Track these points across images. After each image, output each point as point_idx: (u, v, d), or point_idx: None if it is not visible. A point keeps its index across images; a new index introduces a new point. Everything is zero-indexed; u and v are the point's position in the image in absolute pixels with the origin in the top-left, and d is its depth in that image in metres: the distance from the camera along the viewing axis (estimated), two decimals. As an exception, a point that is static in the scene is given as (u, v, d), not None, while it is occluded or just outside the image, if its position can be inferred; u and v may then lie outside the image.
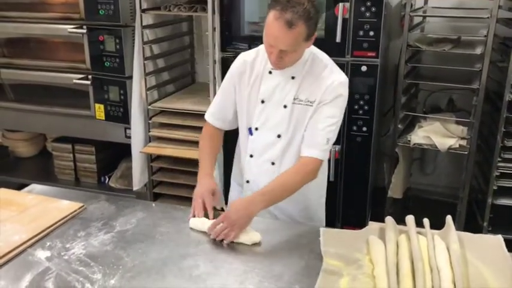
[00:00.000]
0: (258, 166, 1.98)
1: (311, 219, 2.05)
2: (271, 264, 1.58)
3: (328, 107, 1.83)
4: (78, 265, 1.56)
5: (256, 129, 1.95)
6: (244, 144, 2.01)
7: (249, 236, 1.70)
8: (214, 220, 1.72)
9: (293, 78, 1.86)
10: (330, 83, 1.82)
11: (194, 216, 1.81)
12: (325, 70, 1.85)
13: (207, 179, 1.92)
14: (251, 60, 1.92)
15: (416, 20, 3.04)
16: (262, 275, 1.52)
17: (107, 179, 3.59)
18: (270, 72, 1.88)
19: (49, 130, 3.71)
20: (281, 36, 1.67)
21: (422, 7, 3.08)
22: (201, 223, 1.78)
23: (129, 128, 3.17)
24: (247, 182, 2.03)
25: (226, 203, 2.18)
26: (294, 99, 1.86)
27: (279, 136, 1.92)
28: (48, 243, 1.67)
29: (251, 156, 1.99)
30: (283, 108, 1.88)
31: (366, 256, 1.59)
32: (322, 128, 1.83)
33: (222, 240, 1.69)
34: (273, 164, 1.95)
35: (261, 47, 1.88)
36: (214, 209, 1.85)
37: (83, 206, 1.91)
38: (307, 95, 1.85)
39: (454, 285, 1.38)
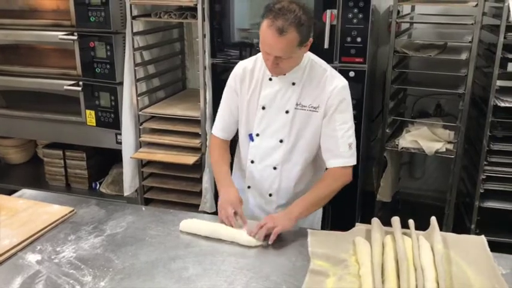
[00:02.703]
0: (259, 171, 2.01)
1: (310, 224, 2.07)
2: (259, 265, 1.60)
3: (339, 114, 1.87)
4: (68, 268, 1.58)
5: (257, 135, 1.97)
6: (245, 150, 2.04)
7: (250, 238, 1.74)
8: (259, 222, 1.76)
9: (294, 84, 1.89)
10: (333, 87, 1.86)
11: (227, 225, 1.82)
12: (325, 75, 1.89)
13: (231, 189, 1.93)
14: (251, 68, 1.96)
15: (404, 26, 3.09)
16: (250, 276, 1.54)
17: (98, 185, 3.59)
18: (270, 79, 1.92)
19: (40, 136, 3.71)
20: (274, 43, 1.71)
21: (409, 14, 3.13)
22: (192, 224, 1.81)
23: (120, 134, 3.18)
24: (249, 187, 2.06)
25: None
26: (297, 104, 1.90)
27: (281, 141, 1.95)
28: (38, 247, 1.69)
29: (252, 162, 2.02)
30: (285, 113, 1.91)
31: (353, 256, 1.62)
32: (341, 136, 1.88)
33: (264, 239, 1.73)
34: (274, 168, 1.98)
35: (259, 55, 1.93)
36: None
37: (73, 210, 1.92)
38: (311, 101, 1.89)
39: (437, 284, 1.42)
